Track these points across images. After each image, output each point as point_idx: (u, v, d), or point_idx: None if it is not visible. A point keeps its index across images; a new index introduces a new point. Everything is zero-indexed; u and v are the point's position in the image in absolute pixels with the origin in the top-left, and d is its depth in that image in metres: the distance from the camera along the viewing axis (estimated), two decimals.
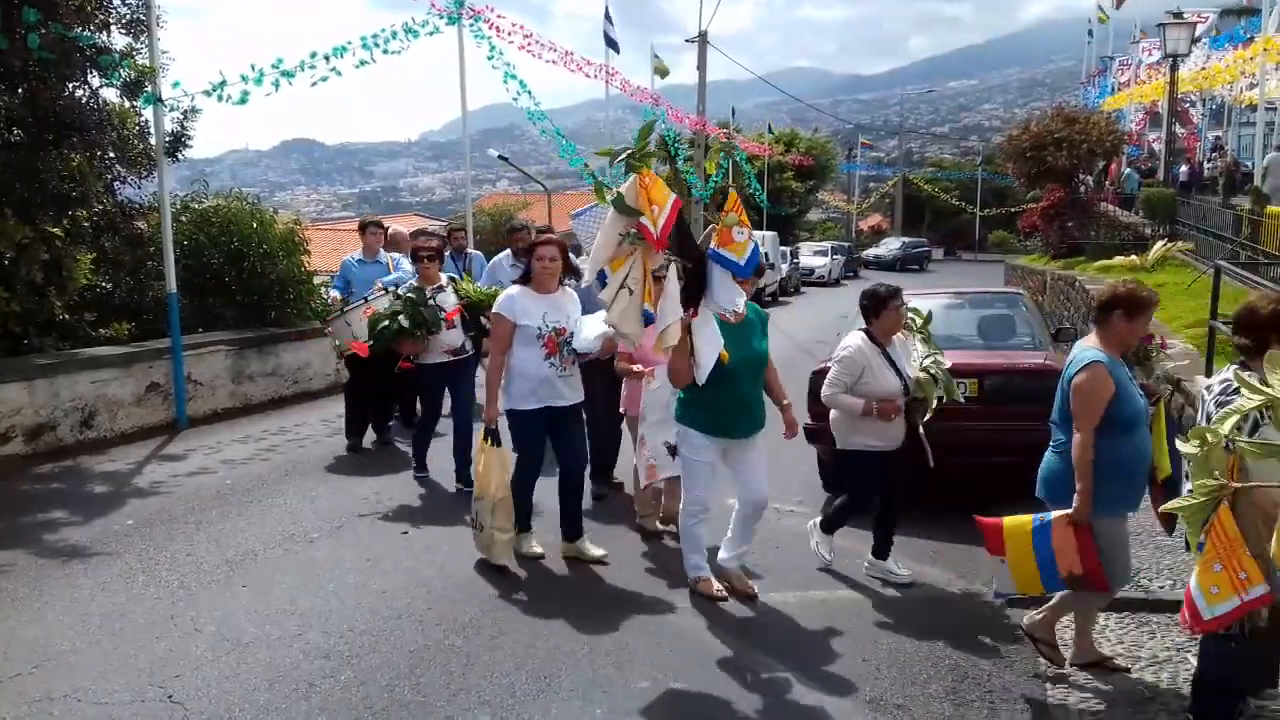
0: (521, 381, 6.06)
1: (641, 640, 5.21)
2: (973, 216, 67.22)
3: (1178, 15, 24.80)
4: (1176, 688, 4.57)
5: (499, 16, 16.20)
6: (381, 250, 10.23)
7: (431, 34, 13.89)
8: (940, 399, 6.09)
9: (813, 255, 41.93)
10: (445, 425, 8.53)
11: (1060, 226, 25.29)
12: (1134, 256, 19.02)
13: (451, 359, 8.06)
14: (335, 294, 9.81)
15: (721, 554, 5.90)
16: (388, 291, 8.76)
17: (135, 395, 10.22)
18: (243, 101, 10.76)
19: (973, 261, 57.56)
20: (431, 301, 7.81)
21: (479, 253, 12.05)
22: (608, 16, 24.10)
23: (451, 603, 5.70)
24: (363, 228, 10.16)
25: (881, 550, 6.22)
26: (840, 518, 6.31)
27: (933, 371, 6.05)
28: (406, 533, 7.00)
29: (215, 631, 5.25)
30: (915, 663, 4.95)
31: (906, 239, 58.43)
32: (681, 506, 5.86)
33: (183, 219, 12.28)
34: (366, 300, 8.84)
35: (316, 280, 14.19)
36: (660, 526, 6.95)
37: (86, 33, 10.41)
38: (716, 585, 5.78)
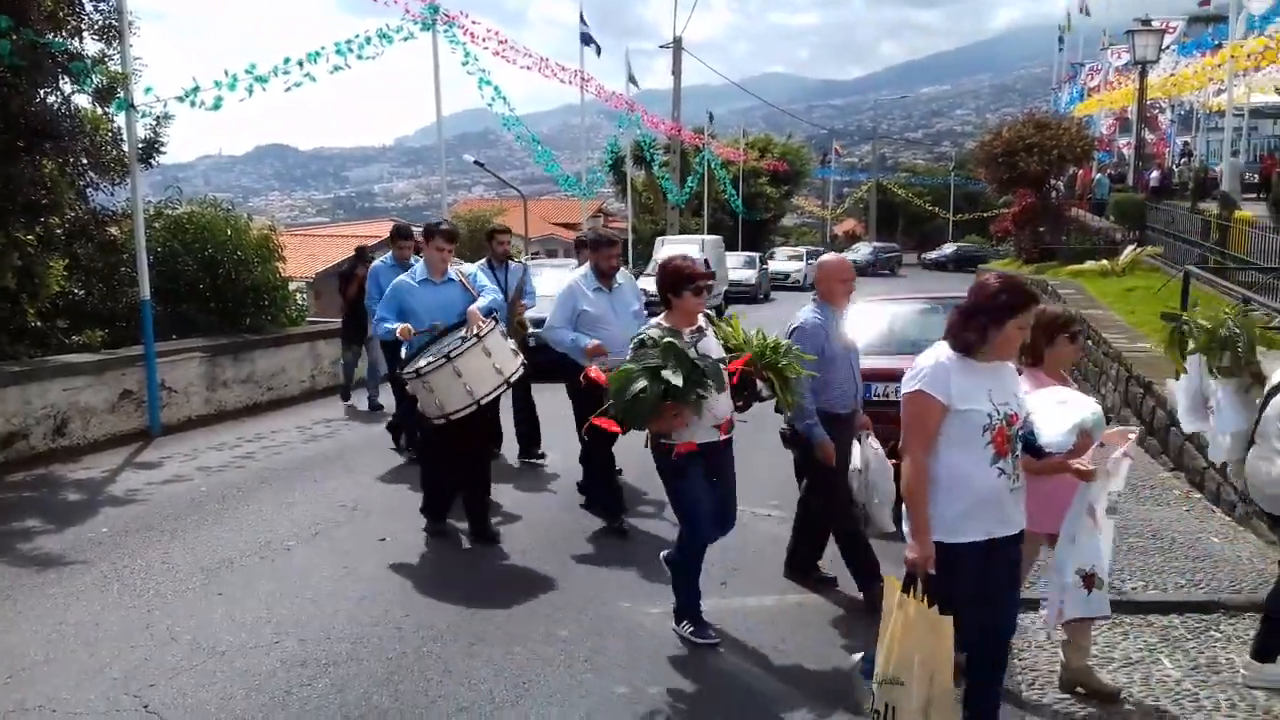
0: (956, 497, 3.88)
1: (619, 646, 5.22)
2: (946, 221, 67.74)
3: (1146, 22, 25.13)
4: (1149, 688, 4.62)
5: (473, 22, 16.26)
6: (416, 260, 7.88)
7: (406, 39, 13.95)
8: None
9: (787, 260, 42.26)
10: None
11: (1032, 232, 25.52)
12: (1104, 261, 19.23)
13: (721, 437, 5.28)
14: (403, 327, 6.85)
15: None
16: (497, 322, 6.75)
17: (109, 403, 10.15)
18: (216, 107, 10.73)
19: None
20: (693, 350, 5.09)
21: (523, 263, 9.72)
22: (583, 20, 24.17)
23: (429, 609, 5.69)
24: (429, 235, 7.24)
25: (1271, 650, 4.59)
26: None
27: None
28: (384, 540, 6.97)
29: (191, 640, 5.22)
30: None
31: (877, 244, 58.82)
32: None
33: (156, 225, 12.22)
34: (479, 339, 6.42)
35: (291, 286, 14.19)
36: (1108, 683, 4.68)
37: (58, 39, 10.35)
38: None
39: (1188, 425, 5.25)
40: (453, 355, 6.31)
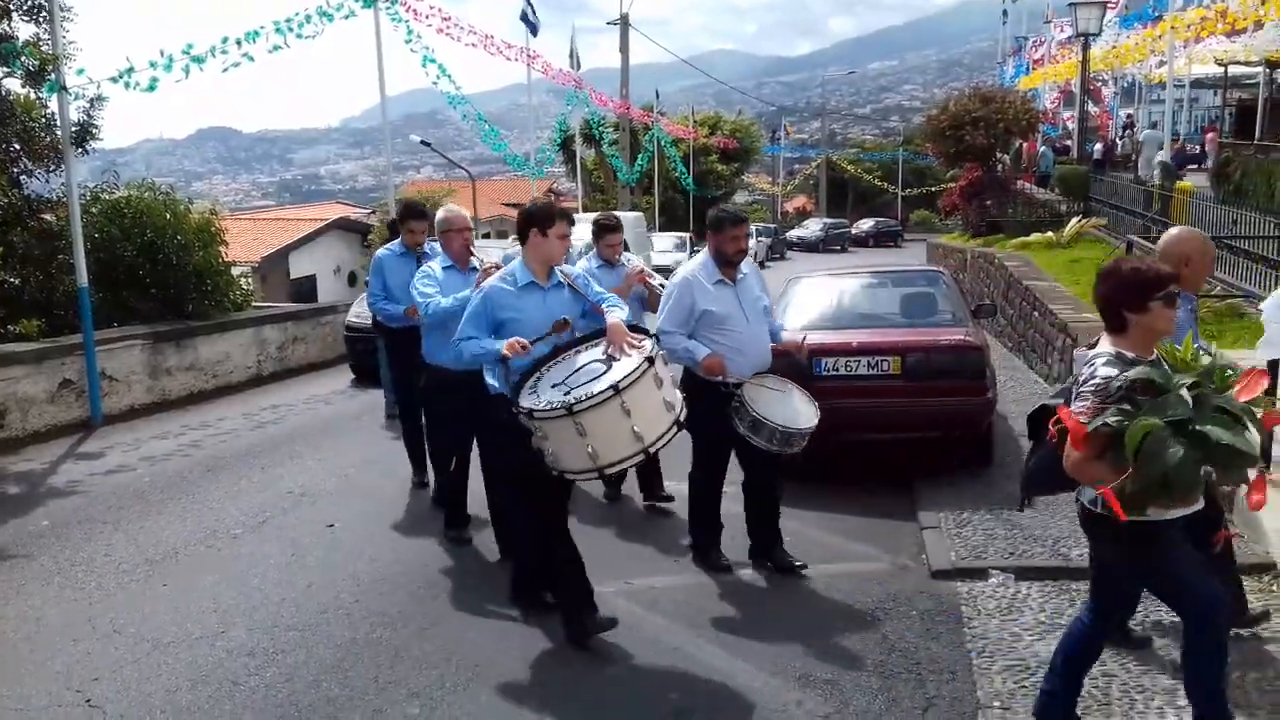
0: None
1: None
2: (895, 197, 68.22)
3: None
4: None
5: None
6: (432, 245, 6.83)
7: (347, 17, 13.71)
8: None
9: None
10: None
11: (979, 205, 25.69)
12: (1050, 233, 19.42)
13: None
14: (512, 342, 4.74)
15: None
16: (655, 339, 5.05)
17: (48, 393, 9.93)
18: (151, 88, 10.53)
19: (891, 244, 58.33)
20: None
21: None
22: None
23: (379, 595, 5.63)
24: (542, 220, 4.97)
25: None
26: None
27: None
28: (333, 526, 6.88)
29: (135, 632, 5.13)
30: (844, 638, 4.99)
31: (828, 220, 59.18)
32: None
33: (93, 210, 11.94)
34: (650, 363, 4.58)
35: (235, 271, 13.95)
36: None
37: None
38: None
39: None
40: (622, 386, 4.45)
